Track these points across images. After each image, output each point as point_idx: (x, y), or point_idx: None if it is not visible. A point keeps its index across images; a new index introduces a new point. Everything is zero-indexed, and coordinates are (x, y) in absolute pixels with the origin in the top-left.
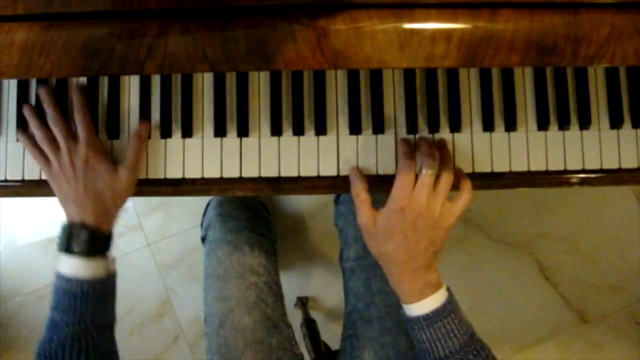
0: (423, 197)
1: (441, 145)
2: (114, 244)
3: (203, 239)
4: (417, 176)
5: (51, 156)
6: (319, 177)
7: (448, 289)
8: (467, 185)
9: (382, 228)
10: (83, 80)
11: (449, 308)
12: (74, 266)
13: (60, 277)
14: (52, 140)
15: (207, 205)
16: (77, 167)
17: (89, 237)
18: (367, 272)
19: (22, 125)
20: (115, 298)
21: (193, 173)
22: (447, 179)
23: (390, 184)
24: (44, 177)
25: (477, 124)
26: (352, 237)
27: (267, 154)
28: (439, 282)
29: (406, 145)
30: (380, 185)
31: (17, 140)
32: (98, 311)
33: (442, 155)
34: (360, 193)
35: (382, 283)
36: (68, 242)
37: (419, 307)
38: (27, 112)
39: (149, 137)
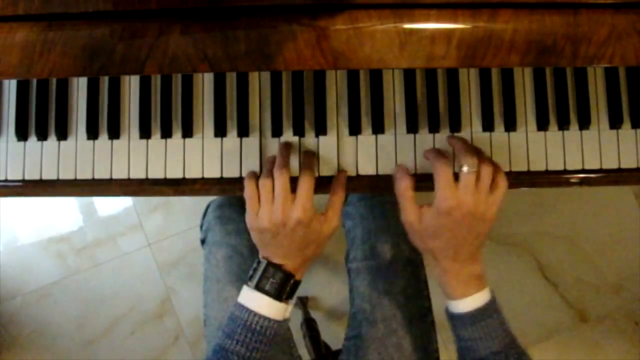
0: (469, 196)
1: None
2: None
3: (202, 242)
4: (456, 174)
5: (264, 204)
6: (319, 178)
7: (492, 291)
8: (501, 174)
9: (429, 227)
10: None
11: (493, 308)
12: (260, 303)
13: (242, 309)
14: (271, 191)
15: (207, 207)
16: (287, 226)
17: (283, 281)
18: (373, 273)
19: (22, 127)
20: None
21: (193, 173)
22: (487, 173)
23: (390, 184)
24: (44, 177)
25: (477, 124)
26: (360, 238)
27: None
28: (483, 274)
29: (434, 149)
30: (379, 185)
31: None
32: (266, 351)
33: (477, 150)
34: (406, 191)
35: (388, 284)
36: (260, 278)
37: (463, 304)
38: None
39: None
